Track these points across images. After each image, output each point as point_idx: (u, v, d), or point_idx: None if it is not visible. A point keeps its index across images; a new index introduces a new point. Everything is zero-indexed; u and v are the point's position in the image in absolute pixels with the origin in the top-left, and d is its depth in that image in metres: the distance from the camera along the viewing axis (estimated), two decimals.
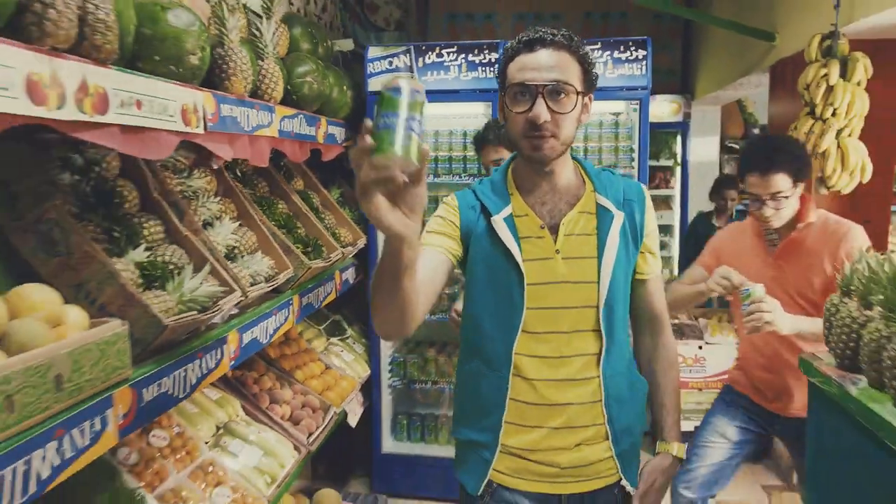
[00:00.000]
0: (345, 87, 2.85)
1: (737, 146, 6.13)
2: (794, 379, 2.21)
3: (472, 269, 1.49)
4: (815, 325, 1.98)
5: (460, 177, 3.27)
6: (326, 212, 2.81)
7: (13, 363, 1.03)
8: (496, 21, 5.54)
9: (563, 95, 1.36)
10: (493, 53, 3.06)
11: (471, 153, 3.21)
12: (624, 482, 1.52)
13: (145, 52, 1.52)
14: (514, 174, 1.52)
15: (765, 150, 2.14)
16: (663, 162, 5.52)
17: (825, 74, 2.53)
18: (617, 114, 3.28)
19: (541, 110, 1.34)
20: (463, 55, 3.05)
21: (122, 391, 1.31)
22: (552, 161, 1.42)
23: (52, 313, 1.20)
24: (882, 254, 1.45)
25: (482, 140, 2.62)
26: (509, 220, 1.45)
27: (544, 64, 1.36)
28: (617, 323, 1.48)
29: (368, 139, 0.95)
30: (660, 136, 5.39)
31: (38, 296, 1.20)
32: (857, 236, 2.10)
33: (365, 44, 3.70)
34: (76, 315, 1.27)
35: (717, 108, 5.85)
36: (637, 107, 3.02)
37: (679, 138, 5.47)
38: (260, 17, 2.26)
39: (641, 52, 2.86)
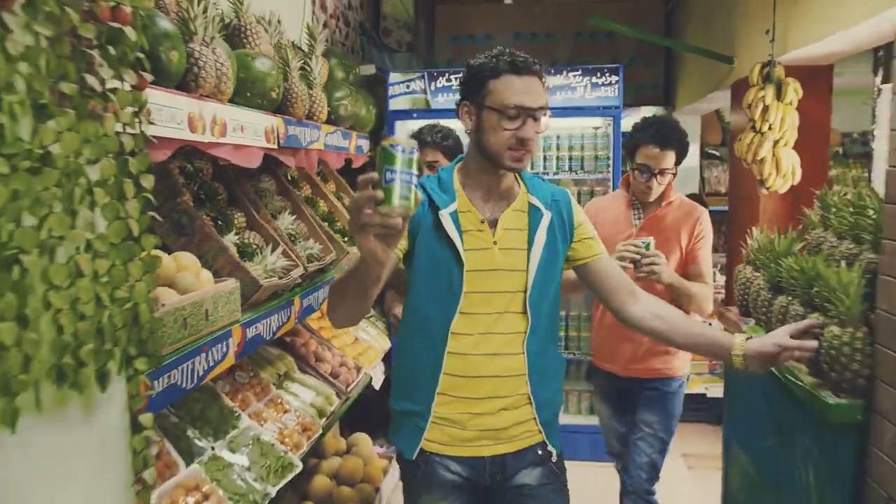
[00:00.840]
0: (370, 107, 3.44)
1: (717, 153, 6.70)
2: (620, 341, 2.44)
3: (417, 258, 1.62)
4: (684, 284, 2.24)
5: None
6: None
7: (186, 299, 1.62)
8: (496, 41, 6.12)
9: (541, 119, 1.57)
10: None
11: None
12: (550, 448, 1.66)
13: (241, 90, 2.10)
14: (460, 174, 1.68)
15: (664, 128, 2.32)
16: None
17: (762, 96, 3.11)
18: (597, 128, 3.86)
19: (531, 131, 1.56)
20: None
21: (236, 328, 1.89)
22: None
23: (196, 271, 1.79)
24: (772, 233, 2.03)
25: (418, 142, 2.58)
26: (454, 215, 1.60)
27: (535, 90, 1.56)
28: (542, 307, 1.64)
29: (379, 193, 1.15)
30: None
31: (188, 260, 1.79)
32: (707, 220, 2.43)
33: (379, 64, 4.29)
34: (206, 275, 1.86)
35: (696, 117, 6.43)
36: (611, 122, 3.61)
37: None
38: (304, 52, 2.85)
39: (614, 78, 3.46)
